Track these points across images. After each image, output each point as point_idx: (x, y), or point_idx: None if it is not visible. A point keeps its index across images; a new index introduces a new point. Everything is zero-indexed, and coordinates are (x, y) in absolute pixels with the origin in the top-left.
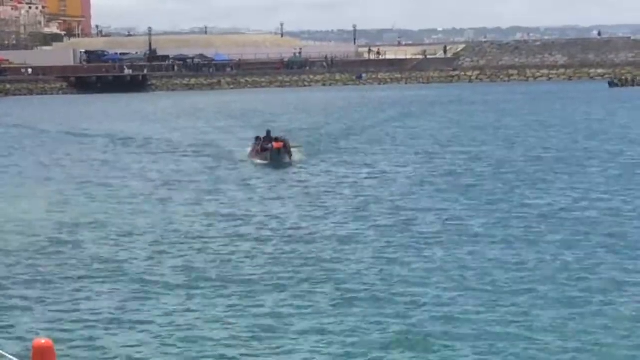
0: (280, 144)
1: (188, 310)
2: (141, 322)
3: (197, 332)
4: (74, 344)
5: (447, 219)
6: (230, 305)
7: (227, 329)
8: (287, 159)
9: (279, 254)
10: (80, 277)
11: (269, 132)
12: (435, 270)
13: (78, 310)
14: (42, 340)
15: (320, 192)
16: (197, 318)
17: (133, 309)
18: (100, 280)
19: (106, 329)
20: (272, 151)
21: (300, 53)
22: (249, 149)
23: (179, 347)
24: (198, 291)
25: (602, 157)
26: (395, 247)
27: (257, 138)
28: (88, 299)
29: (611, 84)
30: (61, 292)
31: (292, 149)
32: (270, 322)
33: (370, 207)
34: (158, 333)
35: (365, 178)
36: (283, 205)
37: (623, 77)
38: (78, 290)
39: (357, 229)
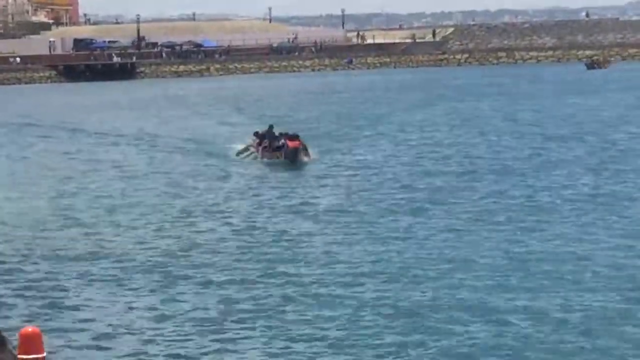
0: (297, 143)
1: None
2: (126, 313)
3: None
4: (60, 332)
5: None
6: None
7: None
8: (304, 159)
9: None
10: (62, 268)
11: (271, 127)
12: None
13: (63, 300)
14: (29, 329)
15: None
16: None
17: (120, 302)
18: (86, 270)
19: (90, 319)
20: (288, 151)
21: (296, 38)
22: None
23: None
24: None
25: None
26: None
27: (256, 133)
28: (71, 289)
29: (589, 66)
30: (42, 283)
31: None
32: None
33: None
34: (146, 324)
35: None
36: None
37: (598, 59)
38: (61, 281)
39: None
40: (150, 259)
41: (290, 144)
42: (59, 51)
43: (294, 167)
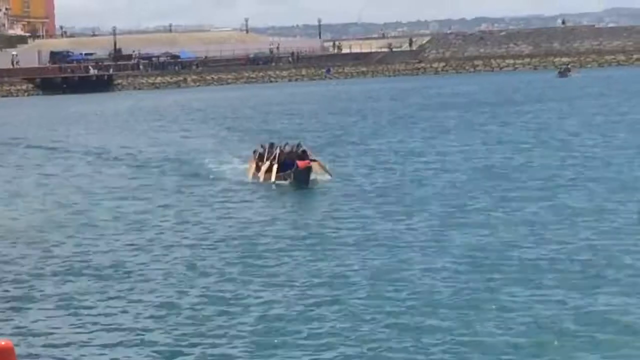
0: (307, 162)
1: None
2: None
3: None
4: (34, 345)
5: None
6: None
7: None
8: (318, 181)
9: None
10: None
11: (272, 145)
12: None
13: (37, 315)
14: (2, 342)
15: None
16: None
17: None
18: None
19: (66, 334)
20: (297, 171)
21: (277, 48)
22: (248, 166)
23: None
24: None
25: None
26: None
27: (255, 152)
28: (46, 304)
29: (561, 74)
30: (15, 296)
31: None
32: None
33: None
34: (129, 337)
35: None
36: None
37: (569, 66)
38: (35, 295)
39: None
40: (131, 275)
41: (300, 163)
42: (27, 65)
43: (304, 188)
